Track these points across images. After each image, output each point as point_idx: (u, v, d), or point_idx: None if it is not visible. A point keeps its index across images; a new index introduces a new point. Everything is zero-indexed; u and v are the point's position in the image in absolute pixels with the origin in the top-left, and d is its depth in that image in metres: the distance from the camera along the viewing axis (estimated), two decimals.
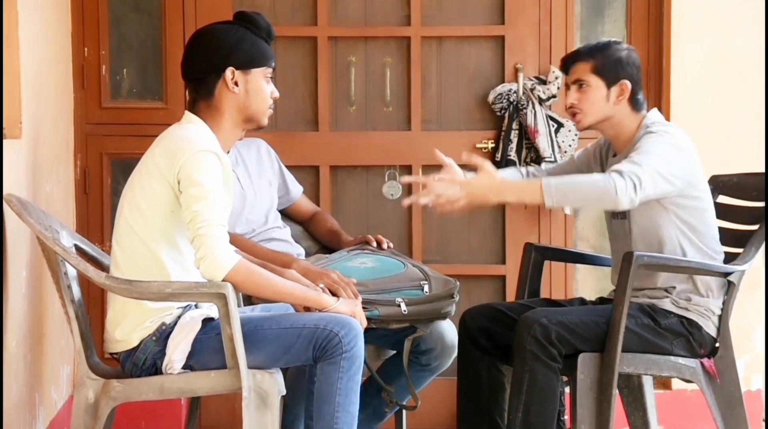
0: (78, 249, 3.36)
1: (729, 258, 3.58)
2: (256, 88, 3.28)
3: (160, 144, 3.23)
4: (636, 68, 3.53)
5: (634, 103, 3.53)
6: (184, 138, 3.20)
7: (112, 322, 3.23)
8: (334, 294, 3.46)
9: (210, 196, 3.11)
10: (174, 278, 3.19)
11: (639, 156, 3.34)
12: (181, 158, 3.13)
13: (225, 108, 3.27)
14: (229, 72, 3.25)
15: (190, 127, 3.25)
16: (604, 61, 3.51)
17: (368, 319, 3.50)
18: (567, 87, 3.59)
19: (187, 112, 3.30)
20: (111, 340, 3.24)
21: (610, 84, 3.51)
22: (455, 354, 3.75)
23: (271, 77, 3.33)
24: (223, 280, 3.08)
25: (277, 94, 3.34)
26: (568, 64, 3.57)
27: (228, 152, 3.31)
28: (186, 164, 3.13)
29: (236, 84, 3.26)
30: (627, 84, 3.50)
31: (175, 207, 3.17)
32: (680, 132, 3.49)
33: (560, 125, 4.45)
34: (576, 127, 3.59)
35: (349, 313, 3.24)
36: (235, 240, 3.48)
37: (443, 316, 3.69)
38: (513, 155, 4.43)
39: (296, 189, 4.10)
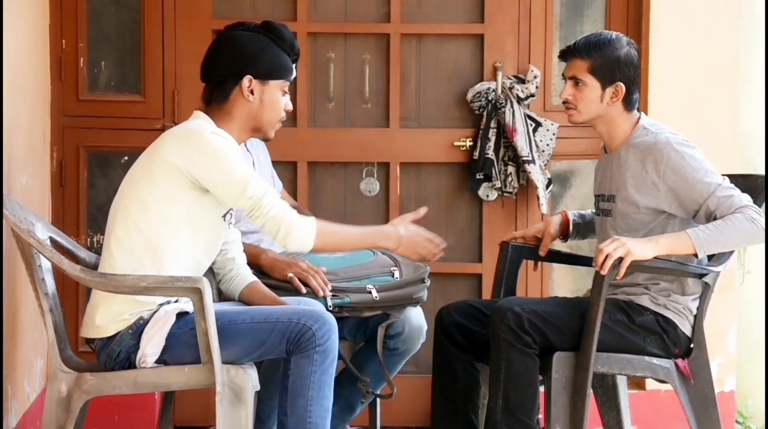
0: (53, 241, 3.34)
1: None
2: (271, 100, 3.30)
3: (167, 134, 3.27)
4: (633, 68, 3.52)
5: (628, 103, 3.54)
6: (192, 127, 3.24)
7: (94, 306, 3.23)
8: (304, 283, 3.52)
9: (250, 177, 3.17)
10: (167, 267, 3.19)
11: (712, 178, 3.41)
12: (192, 141, 3.17)
13: (236, 114, 3.29)
14: (246, 80, 3.27)
15: (198, 121, 3.29)
16: (601, 62, 3.50)
17: (340, 307, 3.51)
18: (564, 78, 3.60)
19: (195, 111, 3.33)
20: (90, 325, 3.24)
21: (605, 85, 3.52)
22: (424, 337, 3.77)
23: (286, 91, 3.35)
24: (314, 245, 3.18)
25: (290, 107, 3.38)
26: (566, 56, 3.57)
27: None
28: (202, 149, 3.16)
29: (252, 92, 3.28)
30: (621, 87, 3.51)
31: (178, 194, 3.18)
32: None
33: (538, 124, 4.46)
34: (568, 119, 3.60)
35: (415, 254, 3.31)
36: None
37: (415, 302, 3.71)
38: (491, 154, 4.44)
39: (278, 184, 4.10)
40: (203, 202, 3.20)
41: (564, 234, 3.81)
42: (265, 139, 3.39)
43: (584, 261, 3.93)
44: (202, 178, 3.16)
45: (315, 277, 3.53)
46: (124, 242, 3.21)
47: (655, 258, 3.41)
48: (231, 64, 3.28)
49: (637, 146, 3.52)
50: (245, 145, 3.82)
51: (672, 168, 3.45)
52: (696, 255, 3.39)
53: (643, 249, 3.37)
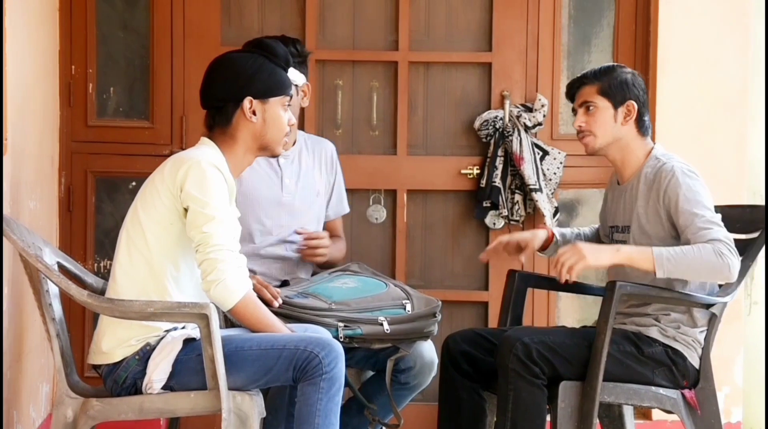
0: (60, 267, 3.34)
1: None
2: (273, 117, 3.31)
3: (168, 161, 3.27)
4: (642, 90, 3.55)
5: (641, 126, 3.55)
6: (192, 155, 3.24)
7: (101, 332, 3.23)
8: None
9: (218, 216, 3.15)
10: (171, 293, 3.19)
11: (700, 210, 3.38)
12: (185, 166, 3.17)
13: (241, 136, 3.30)
14: (247, 102, 3.28)
15: (202, 148, 3.30)
16: (610, 83, 3.53)
17: (351, 338, 3.50)
18: (574, 112, 3.60)
19: (202, 137, 3.34)
20: (96, 351, 3.24)
21: (617, 105, 3.53)
22: (434, 372, 3.74)
23: (288, 105, 3.35)
24: (232, 308, 3.14)
25: (294, 121, 3.39)
26: (574, 89, 3.59)
27: (237, 177, 3.34)
28: (190, 175, 3.16)
29: (254, 113, 3.29)
30: (633, 105, 3.53)
31: (175, 220, 3.18)
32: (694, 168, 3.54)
33: (545, 153, 4.47)
34: (585, 150, 3.60)
35: None
36: None
37: (426, 336, 3.68)
38: (498, 182, 4.44)
39: (337, 210, 4.05)
40: None
41: (544, 249, 3.78)
42: (273, 156, 3.40)
43: (590, 290, 3.93)
44: (183, 202, 3.17)
45: (262, 291, 3.53)
46: (127, 269, 3.22)
47: (663, 288, 3.42)
48: (230, 88, 3.29)
49: (647, 176, 3.52)
50: (298, 156, 3.85)
51: (669, 195, 3.45)
52: (654, 273, 3.37)
53: (598, 257, 3.39)
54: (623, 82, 3.53)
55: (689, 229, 3.39)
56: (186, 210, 3.18)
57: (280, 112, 3.32)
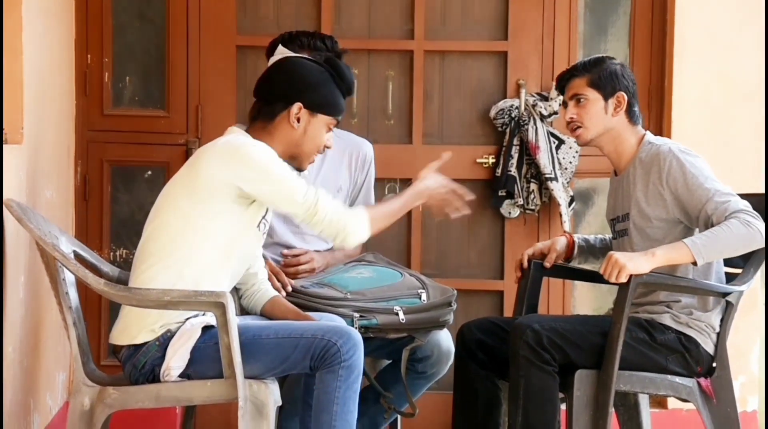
0: (77, 255, 3.35)
1: (727, 278, 3.59)
2: (314, 132, 3.31)
3: (208, 150, 3.25)
4: (631, 81, 3.58)
5: (631, 116, 3.57)
6: (233, 141, 3.24)
7: (125, 316, 3.24)
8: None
9: (296, 184, 3.18)
10: (207, 278, 3.19)
11: (710, 184, 3.41)
12: (237, 155, 3.17)
13: (277, 137, 3.30)
14: (296, 107, 3.28)
15: (235, 135, 3.29)
16: (599, 74, 3.55)
17: (366, 328, 3.50)
18: (564, 105, 3.62)
19: (230, 127, 3.34)
20: (121, 331, 3.24)
21: (607, 96, 3.55)
22: (451, 361, 3.75)
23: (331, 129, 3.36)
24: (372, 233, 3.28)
25: (330, 143, 3.37)
26: (564, 81, 3.61)
27: None
28: (248, 162, 3.17)
29: (298, 120, 3.29)
30: (623, 96, 3.55)
31: (222, 207, 3.18)
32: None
33: (561, 142, 4.46)
34: (577, 142, 3.63)
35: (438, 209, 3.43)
36: None
37: (441, 325, 3.69)
38: (513, 171, 4.44)
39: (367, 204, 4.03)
40: (245, 214, 3.23)
41: (568, 256, 3.80)
42: (299, 170, 3.38)
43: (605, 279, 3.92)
44: (251, 190, 3.18)
45: (272, 278, 3.53)
46: (164, 256, 3.20)
47: (679, 277, 3.41)
48: (286, 88, 3.29)
49: (642, 160, 3.54)
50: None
51: (673, 176, 3.46)
52: (695, 263, 3.38)
53: (637, 264, 3.37)
54: (613, 74, 3.55)
55: (708, 204, 3.39)
56: (241, 192, 3.18)
57: (322, 131, 3.32)
